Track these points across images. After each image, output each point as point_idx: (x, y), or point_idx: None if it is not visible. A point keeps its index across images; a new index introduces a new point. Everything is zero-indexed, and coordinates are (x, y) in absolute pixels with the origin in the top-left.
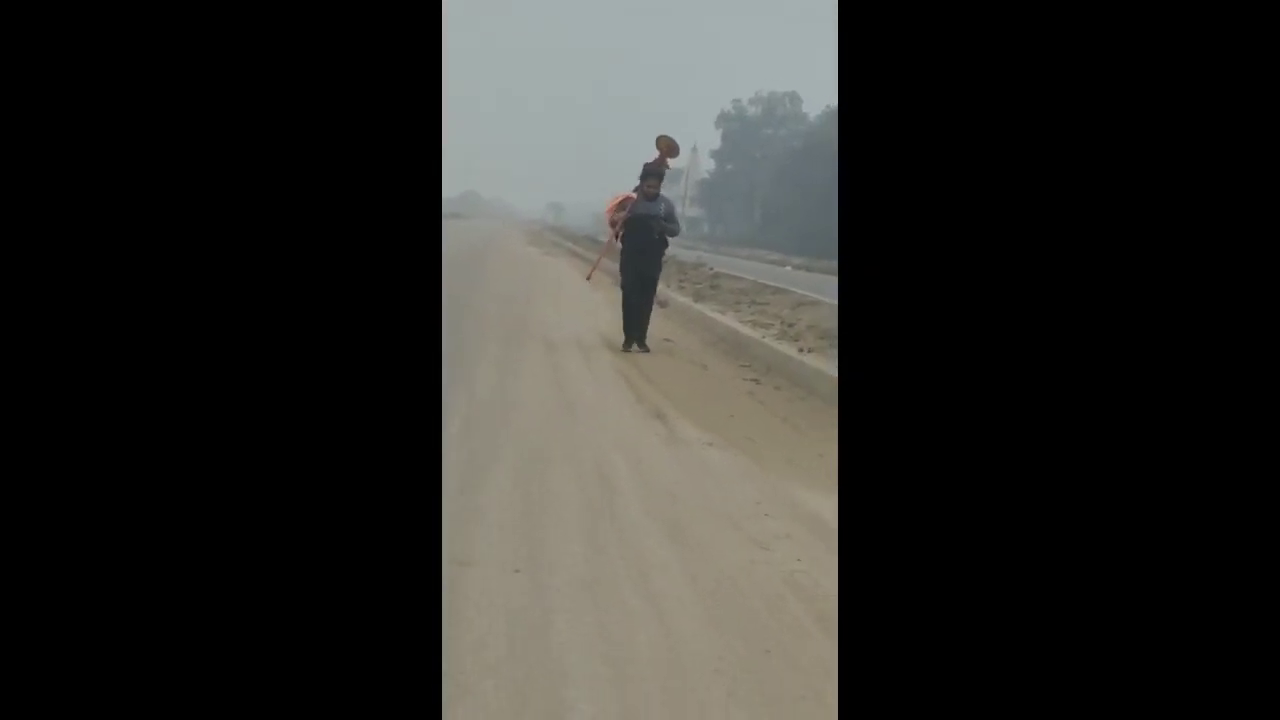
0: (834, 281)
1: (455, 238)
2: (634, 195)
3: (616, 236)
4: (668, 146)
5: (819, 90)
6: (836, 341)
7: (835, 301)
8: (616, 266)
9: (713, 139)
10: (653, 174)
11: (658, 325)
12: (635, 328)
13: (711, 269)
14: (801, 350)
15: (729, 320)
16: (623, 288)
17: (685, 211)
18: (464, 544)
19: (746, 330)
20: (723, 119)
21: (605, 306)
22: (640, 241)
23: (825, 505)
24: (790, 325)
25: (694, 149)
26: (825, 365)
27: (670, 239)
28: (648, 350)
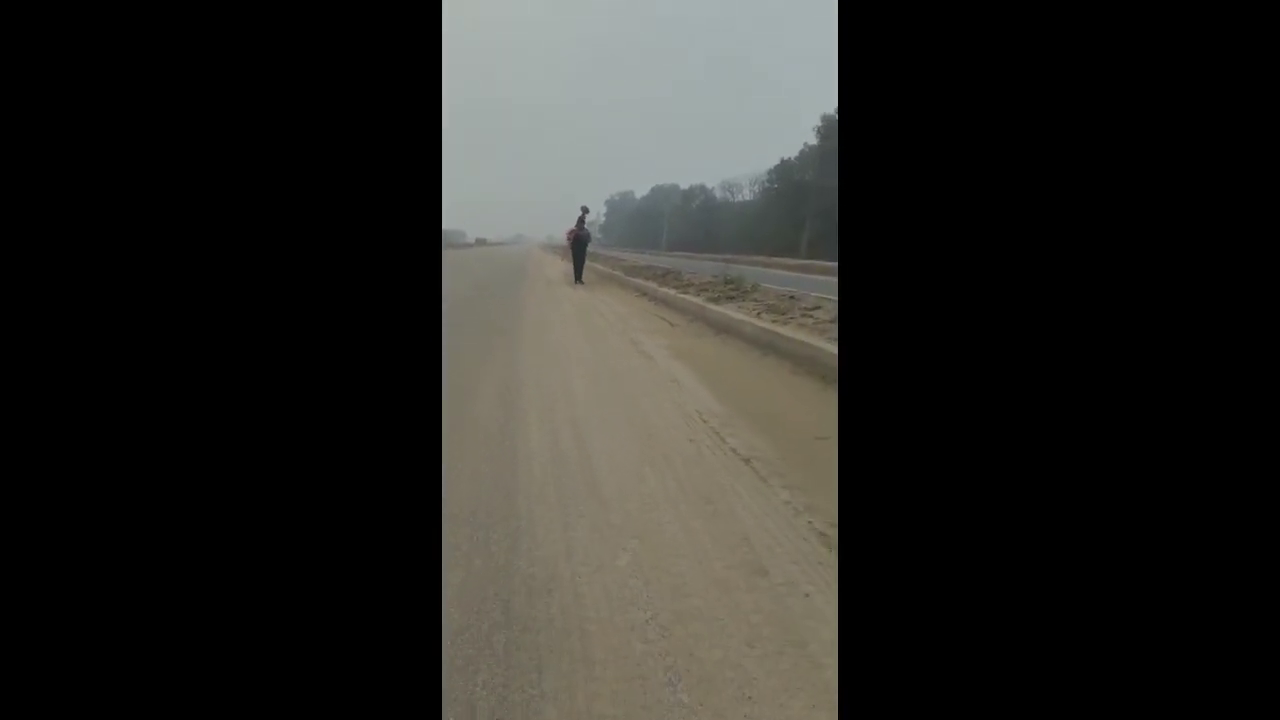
0: (631, 254)
1: (518, 247)
2: (575, 228)
3: (569, 243)
4: (584, 209)
5: (642, 185)
6: (648, 270)
7: (633, 255)
8: (569, 256)
9: (601, 208)
10: (580, 220)
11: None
12: (579, 275)
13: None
14: (631, 271)
15: (605, 268)
16: (573, 261)
17: (593, 233)
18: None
19: (601, 267)
20: (608, 201)
21: (563, 267)
22: (580, 245)
23: (610, 300)
24: (617, 264)
25: (599, 211)
26: (645, 281)
27: (589, 244)
28: (583, 283)
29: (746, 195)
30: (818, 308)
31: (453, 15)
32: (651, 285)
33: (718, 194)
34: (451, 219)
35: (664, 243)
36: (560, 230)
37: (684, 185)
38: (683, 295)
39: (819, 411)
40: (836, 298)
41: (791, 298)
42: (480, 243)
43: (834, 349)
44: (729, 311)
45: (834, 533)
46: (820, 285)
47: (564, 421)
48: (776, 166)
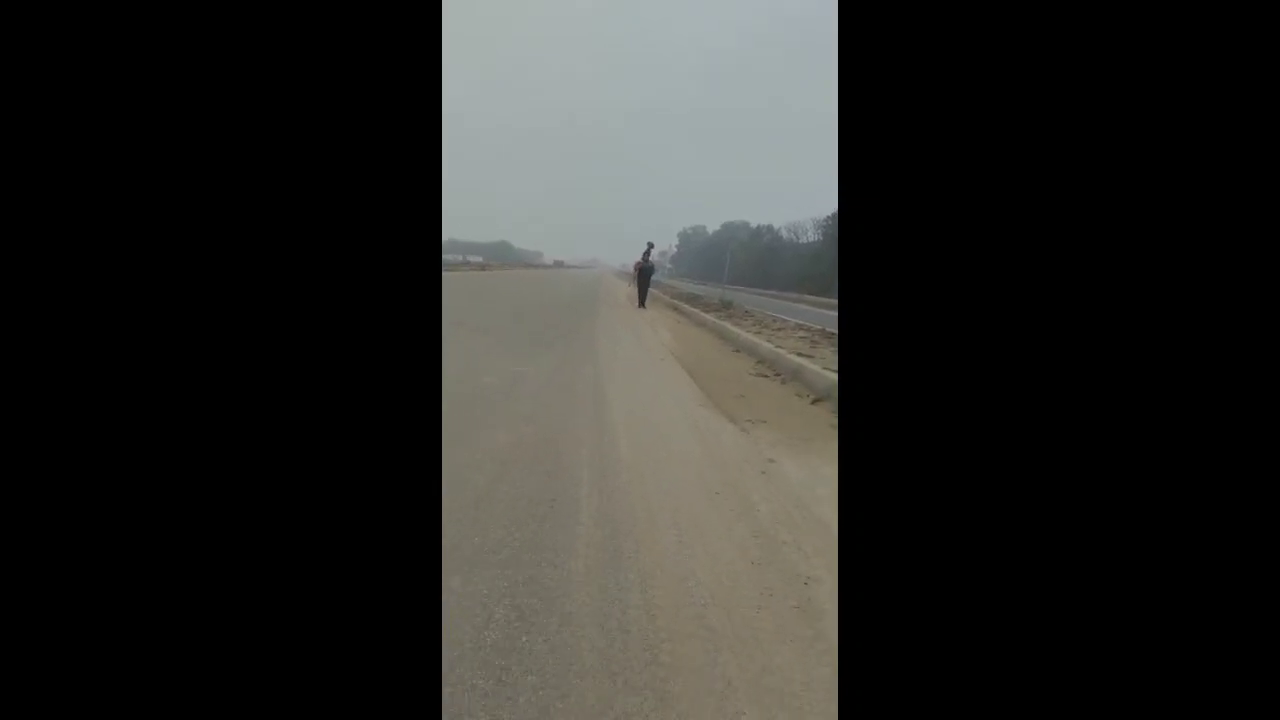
0: (697, 286)
1: (592, 271)
2: (641, 260)
3: (636, 272)
4: (650, 245)
5: (715, 221)
6: (688, 295)
7: (691, 285)
8: (634, 282)
9: (674, 239)
10: (646, 253)
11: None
12: (642, 299)
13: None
14: (677, 297)
15: (661, 293)
16: (638, 288)
17: (663, 264)
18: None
19: (654, 291)
20: (680, 234)
21: (629, 291)
22: (644, 275)
23: (651, 311)
24: (668, 290)
25: (670, 243)
26: (682, 303)
27: (654, 274)
28: (645, 307)
29: (811, 237)
30: (752, 316)
31: (556, 52)
32: (681, 304)
33: (784, 234)
34: (530, 241)
35: (726, 276)
36: (631, 259)
37: (754, 223)
38: (694, 309)
39: (705, 345)
40: (776, 313)
41: (748, 313)
42: (558, 264)
43: (739, 331)
44: (709, 316)
45: (676, 355)
46: (777, 307)
47: (610, 339)
48: (834, 213)
